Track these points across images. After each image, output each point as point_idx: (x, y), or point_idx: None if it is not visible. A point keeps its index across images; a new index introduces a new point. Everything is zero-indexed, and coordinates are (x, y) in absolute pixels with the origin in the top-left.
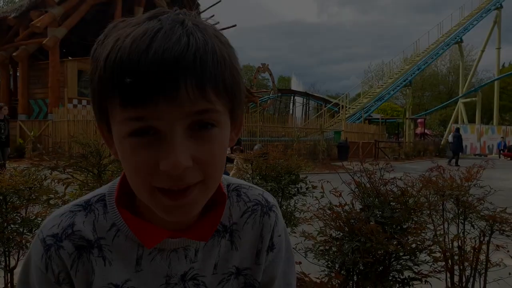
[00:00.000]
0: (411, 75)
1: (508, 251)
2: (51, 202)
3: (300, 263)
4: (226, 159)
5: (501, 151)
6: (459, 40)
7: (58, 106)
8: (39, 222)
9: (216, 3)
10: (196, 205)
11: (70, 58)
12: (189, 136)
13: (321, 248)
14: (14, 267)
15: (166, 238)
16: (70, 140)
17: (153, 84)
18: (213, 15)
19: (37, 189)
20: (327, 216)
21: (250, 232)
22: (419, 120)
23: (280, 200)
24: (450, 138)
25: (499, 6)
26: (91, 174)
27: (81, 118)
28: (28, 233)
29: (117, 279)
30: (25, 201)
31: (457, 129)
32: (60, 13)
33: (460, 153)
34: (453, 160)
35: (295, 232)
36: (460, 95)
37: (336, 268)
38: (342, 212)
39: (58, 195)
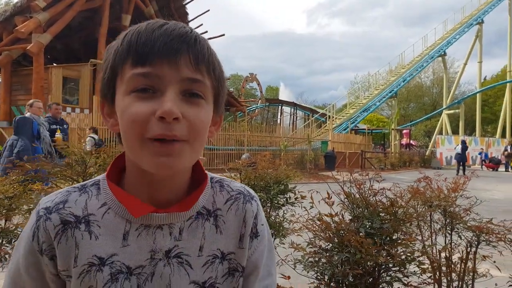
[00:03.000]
0: (397, 87)
1: (494, 261)
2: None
3: (289, 278)
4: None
5: (483, 162)
6: (443, 53)
7: (42, 113)
8: (19, 232)
9: (204, 12)
10: (180, 158)
11: (55, 64)
12: (181, 99)
13: (310, 259)
14: None
15: (152, 213)
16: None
17: (161, 49)
18: (202, 24)
19: (18, 199)
20: (317, 227)
21: (234, 217)
22: (404, 131)
23: (269, 210)
24: (458, 149)
25: (481, 21)
26: (76, 183)
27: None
28: (7, 244)
29: (103, 253)
30: (4, 210)
31: (463, 141)
32: (46, 19)
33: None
34: (461, 170)
35: (284, 243)
36: (444, 106)
37: (326, 280)
38: (331, 223)
39: None
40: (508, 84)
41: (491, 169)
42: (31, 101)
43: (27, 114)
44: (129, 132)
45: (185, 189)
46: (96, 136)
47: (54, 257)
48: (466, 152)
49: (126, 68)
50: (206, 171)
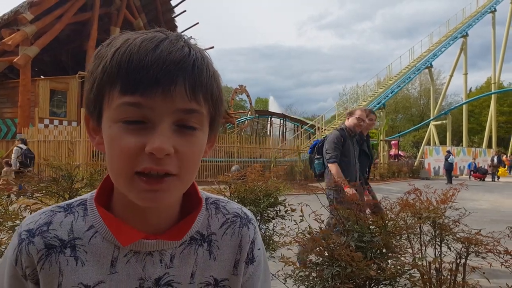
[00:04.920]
0: (385, 98)
1: (484, 272)
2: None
3: None
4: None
5: (472, 172)
6: (429, 65)
7: (28, 126)
8: (3, 250)
9: (194, 25)
10: (169, 193)
11: (42, 77)
12: (174, 130)
13: (301, 274)
14: None
15: (142, 239)
16: (40, 162)
17: (155, 76)
18: (191, 37)
19: (1, 215)
20: (307, 240)
21: (229, 242)
22: (392, 142)
23: (259, 224)
24: (452, 160)
25: (465, 34)
26: (62, 198)
27: (53, 139)
28: None
29: (89, 280)
30: None
31: (448, 151)
32: (33, 32)
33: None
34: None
35: (274, 257)
36: (431, 117)
37: None
38: (322, 237)
39: None
40: (492, 95)
41: (478, 179)
42: None
43: None
44: (116, 165)
45: (178, 214)
46: (24, 146)
47: (39, 281)
48: (454, 162)
49: (114, 93)
50: (201, 191)
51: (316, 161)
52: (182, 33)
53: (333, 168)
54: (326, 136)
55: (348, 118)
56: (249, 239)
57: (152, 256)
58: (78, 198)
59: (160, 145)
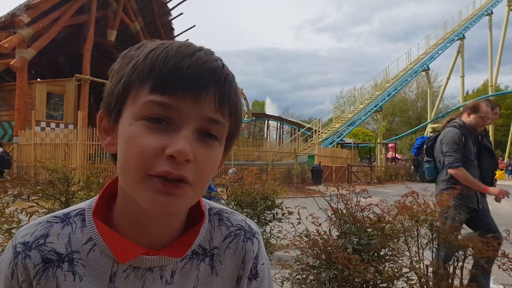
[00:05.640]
0: (382, 101)
1: None
2: (13, 232)
3: None
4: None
5: None
6: (426, 68)
7: (25, 129)
8: (0, 253)
9: (191, 28)
10: (182, 200)
11: (39, 79)
12: (195, 137)
13: (298, 276)
14: None
15: (142, 255)
16: (37, 165)
17: (188, 81)
18: (188, 40)
19: None
20: (304, 243)
21: (232, 257)
22: (390, 145)
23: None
24: None
25: (462, 36)
26: (58, 201)
27: (49, 142)
28: None
29: None
30: None
31: None
32: (30, 34)
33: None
34: None
35: (271, 260)
36: (428, 120)
37: None
38: (319, 240)
39: (21, 224)
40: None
41: None
42: None
43: None
44: (132, 163)
45: (180, 227)
46: (0, 149)
47: None
48: None
49: (142, 90)
50: (205, 200)
51: (427, 165)
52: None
53: (460, 173)
54: (434, 135)
55: (469, 115)
56: (253, 254)
57: (152, 272)
58: (76, 207)
59: (183, 148)
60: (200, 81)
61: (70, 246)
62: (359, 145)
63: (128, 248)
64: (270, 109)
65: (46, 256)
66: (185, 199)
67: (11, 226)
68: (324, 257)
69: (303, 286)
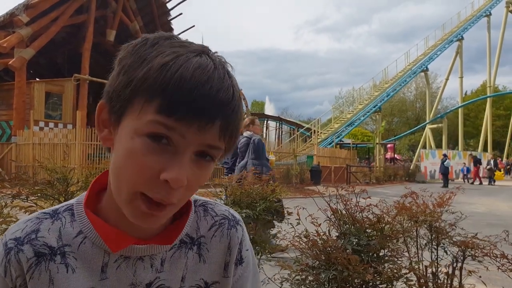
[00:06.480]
0: (380, 101)
1: (480, 276)
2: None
3: None
4: None
5: (465, 176)
6: (425, 68)
7: (23, 129)
8: None
9: (190, 28)
10: (164, 218)
11: (38, 79)
12: (193, 160)
13: (297, 277)
14: None
15: (132, 245)
16: (35, 165)
17: (198, 110)
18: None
19: None
20: (303, 244)
21: (218, 244)
22: (388, 145)
23: (255, 226)
24: (448, 163)
25: (461, 37)
26: (57, 202)
27: (48, 141)
28: None
29: (80, 287)
30: None
31: (445, 155)
32: (28, 34)
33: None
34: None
35: (270, 261)
36: (427, 121)
37: None
38: (318, 240)
39: None
40: (488, 99)
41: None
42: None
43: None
44: (127, 178)
45: (169, 218)
46: None
47: None
48: (450, 165)
49: (149, 106)
50: None
51: None
52: (220, 56)
53: None
54: None
55: None
56: (238, 240)
57: (142, 261)
58: (64, 204)
59: (179, 177)
60: (208, 114)
61: (61, 240)
62: (358, 145)
63: (120, 237)
64: (269, 110)
65: (39, 250)
66: (166, 216)
67: (9, 226)
68: (324, 258)
69: (303, 287)
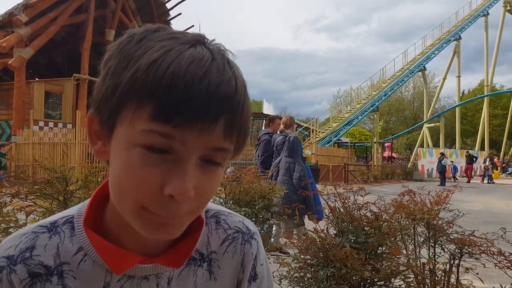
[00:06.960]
0: (378, 101)
1: (477, 273)
2: (11, 231)
3: None
4: None
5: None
6: (423, 68)
7: (23, 128)
8: None
9: (189, 28)
10: (181, 227)
11: (37, 79)
12: (198, 165)
13: (295, 275)
14: None
15: (137, 264)
16: (35, 165)
17: (197, 111)
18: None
19: None
20: (302, 241)
21: (230, 261)
22: (386, 144)
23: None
24: (445, 162)
25: (458, 37)
26: (57, 201)
27: (47, 141)
28: None
29: None
30: None
31: (442, 153)
32: (28, 34)
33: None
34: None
35: (269, 259)
36: (424, 120)
37: None
38: (317, 238)
39: (18, 223)
40: (485, 98)
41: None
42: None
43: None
44: (127, 194)
45: None
46: None
47: None
48: (447, 164)
49: (142, 112)
50: None
51: None
52: (219, 44)
53: None
54: None
55: None
56: (252, 256)
57: (148, 280)
58: (64, 214)
59: (183, 189)
60: (210, 113)
61: (59, 257)
62: (356, 144)
63: (123, 257)
64: (268, 109)
65: (33, 270)
66: (185, 225)
67: (8, 225)
68: (322, 255)
69: (301, 284)
